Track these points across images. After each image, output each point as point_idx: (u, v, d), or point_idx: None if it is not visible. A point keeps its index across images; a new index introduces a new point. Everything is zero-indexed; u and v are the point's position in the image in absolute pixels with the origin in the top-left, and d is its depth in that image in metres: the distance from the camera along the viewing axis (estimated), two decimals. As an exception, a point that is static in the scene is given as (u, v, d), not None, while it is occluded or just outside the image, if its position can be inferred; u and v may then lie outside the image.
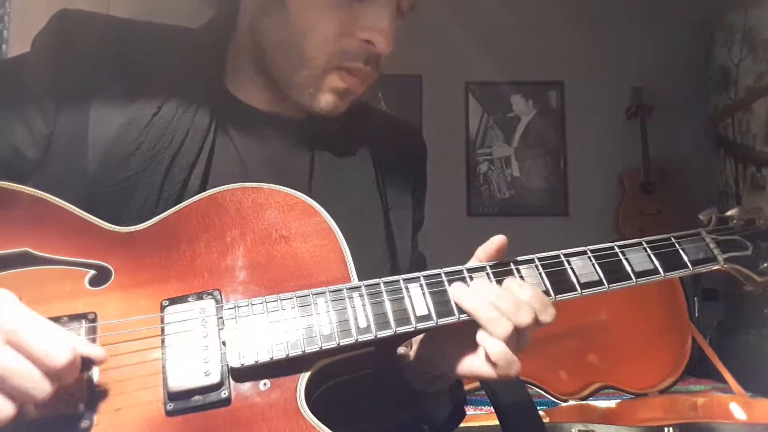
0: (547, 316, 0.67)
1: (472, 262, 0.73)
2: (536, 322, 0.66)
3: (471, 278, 0.70)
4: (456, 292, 0.68)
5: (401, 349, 0.81)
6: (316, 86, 0.79)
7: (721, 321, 3.24)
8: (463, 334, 0.68)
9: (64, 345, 0.54)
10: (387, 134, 0.95)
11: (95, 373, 0.60)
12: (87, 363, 0.58)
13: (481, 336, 0.66)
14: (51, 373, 0.54)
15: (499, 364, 0.65)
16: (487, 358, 0.66)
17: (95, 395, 0.59)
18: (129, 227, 0.69)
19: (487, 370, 0.67)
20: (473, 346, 0.68)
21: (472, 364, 0.69)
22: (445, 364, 0.73)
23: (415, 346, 0.79)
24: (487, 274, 0.71)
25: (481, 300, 0.66)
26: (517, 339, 0.66)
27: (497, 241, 0.72)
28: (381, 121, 0.98)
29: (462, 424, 0.91)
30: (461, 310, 0.67)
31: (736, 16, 3.24)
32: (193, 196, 0.73)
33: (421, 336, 0.78)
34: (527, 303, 0.66)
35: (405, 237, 0.90)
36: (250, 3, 0.81)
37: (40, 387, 0.53)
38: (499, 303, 0.66)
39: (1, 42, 1.82)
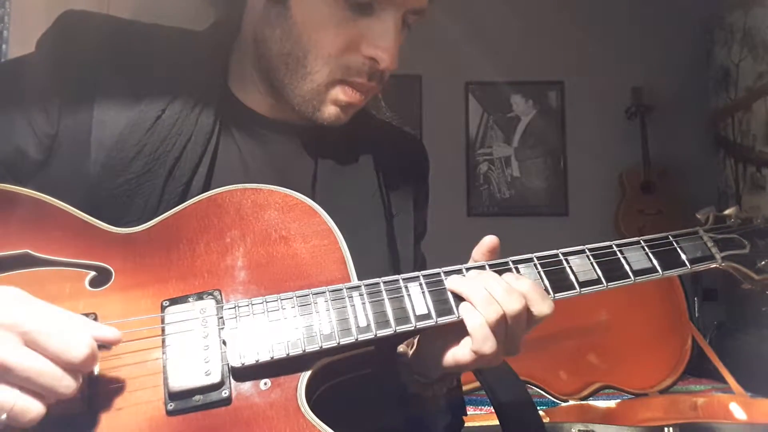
0: (545, 307, 0.68)
1: (471, 263, 0.73)
2: (531, 315, 0.67)
3: (469, 276, 0.70)
4: (452, 281, 0.69)
5: (401, 348, 0.81)
6: (320, 99, 0.79)
7: (721, 321, 3.25)
8: (455, 331, 0.69)
9: (81, 338, 0.55)
10: (389, 143, 0.94)
11: (96, 373, 0.60)
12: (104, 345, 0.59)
13: (464, 309, 0.67)
14: (72, 369, 0.54)
15: (474, 335, 0.66)
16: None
17: (96, 395, 0.59)
18: (129, 228, 0.69)
19: (464, 352, 0.68)
20: (461, 338, 0.69)
21: (455, 352, 0.70)
22: (435, 360, 0.73)
23: (413, 348, 0.79)
24: (487, 273, 0.70)
25: (475, 284, 0.68)
26: (506, 334, 0.67)
27: (488, 241, 0.73)
28: (384, 130, 0.98)
29: (462, 424, 0.91)
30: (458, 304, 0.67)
31: (736, 16, 3.24)
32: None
33: (419, 336, 0.78)
34: (520, 293, 0.67)
35: (407, 245, 0.90)
36: (254, 11, 0.81)
37: (65, 384, 0.54)
38: (492, 287, 0.67)
39: (1, 42, 1.82)
